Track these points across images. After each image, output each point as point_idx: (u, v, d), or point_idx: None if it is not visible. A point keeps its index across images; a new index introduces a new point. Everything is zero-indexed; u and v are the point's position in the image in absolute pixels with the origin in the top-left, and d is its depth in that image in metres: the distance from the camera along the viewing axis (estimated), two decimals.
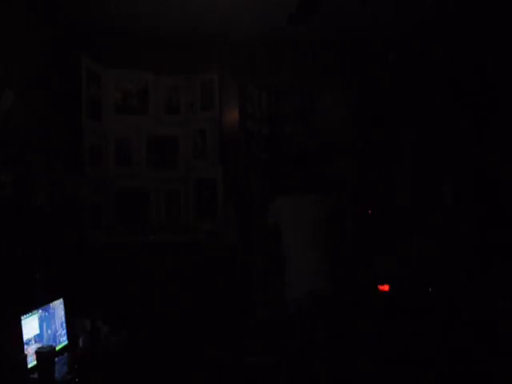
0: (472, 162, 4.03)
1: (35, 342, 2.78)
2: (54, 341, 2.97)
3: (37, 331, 2.81)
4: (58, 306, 3.10)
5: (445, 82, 4.11)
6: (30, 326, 2.76)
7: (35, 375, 2.60)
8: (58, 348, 2.93)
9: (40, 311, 2.87)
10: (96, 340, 3.09)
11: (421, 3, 3.39)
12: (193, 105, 4.23)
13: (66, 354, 3.01)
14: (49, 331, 2.94)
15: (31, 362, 2.67)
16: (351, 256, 4.06)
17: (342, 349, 3.54)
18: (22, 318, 2.70)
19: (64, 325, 3.13)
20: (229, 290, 4.09)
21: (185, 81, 4.22)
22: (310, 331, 3.29)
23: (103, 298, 3.57)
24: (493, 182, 3.94)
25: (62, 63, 3.64)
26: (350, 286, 3.94)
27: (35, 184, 3.28)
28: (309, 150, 4.13)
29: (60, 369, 2.73)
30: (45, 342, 2.85)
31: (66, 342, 3.12)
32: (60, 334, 3.08)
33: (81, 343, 3.03)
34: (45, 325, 2.90)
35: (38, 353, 2.61)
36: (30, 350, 2.69)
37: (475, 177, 4.02)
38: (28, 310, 2.77)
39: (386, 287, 3.99)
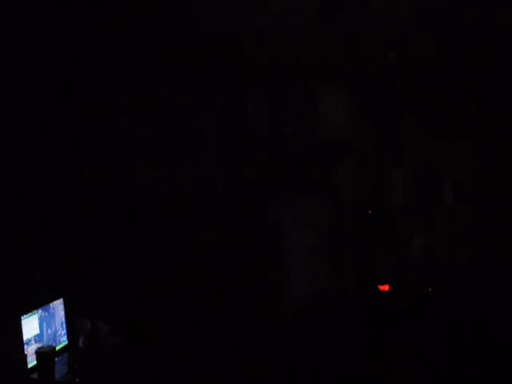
0: (472, 160, 4.04)
1: (35, 342, 2.78)
2: (54, 341, 2.97)
3: (37, 331, 2.81)
4: (58, 306, 3.09)
5: (445, 80, 4.11)
6: (30, 326, 2.76)
7: (35, 375, 2.60)
8: (58, 348, 2.93)
9: (40, 311, 2.87)
10: (96, 340, 3.08)
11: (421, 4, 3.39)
12: (193, 105, 4.23)
13: (66, 354, 3.01)
14: (49, 331, 2.94)
15: (31, 361, 2.67)
16: (352, 256, 4.06)
17: (344, 348, 3.55)
18: (22, 317, 2.70)
19: (64, 325, 3.13)
20: (229, 290, 4.08)
21: (185, 81, 4.23)
22: (311, 331, 3.29)
23: (103, 298, 3.57)
24: (493, 180, 3.95)
25: (62, 63, 3.64)
26: (351, 286, 3.94)
27: (35, 184, 3.28)
28: (309, 150, 4.14)
29: (60, 369, 2.73)
30: (45, 342, 2.85)
31: (65, 342, 3.12)
32: (60, 334, 3.07)
33: (81, 343, 3.03)
34: (45, 325, 2.90)
35: (38, 353, 2.61)
36: (30, 350, 2.70)
37: (475, 176, 4.03)
38: (28, 309, 2.77)
39: (386, 287, 3.99)
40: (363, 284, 4.03)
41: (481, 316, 3.71)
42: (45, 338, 2.88)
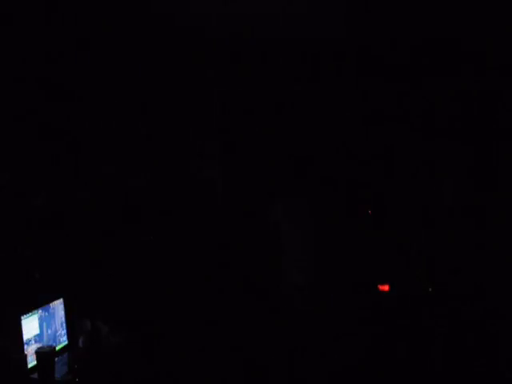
0: (472, 160, 4.04)
1: (35, 342, 2.78)
2: (54, 341, 2.97)
3: (37, 331, 2.81)
4: (58, 306, 3.10)
5: (444, 80, 4.11)
6: (30, 326, 2.76)
7: (35, 375, 2.61)
8: (58, 348, 2.93)
9: (40, 311, 2.87)
10: (96, 340, 3.09)
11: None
12: (193, 104, 4.23)
13: (66, 354, 3.01)
14: (49, 331, 2.94)
15: (31, 361, 2.67)
16: (351, 256, 4.05)
17: (344, 348, 3.54)
18: (22, 317, 2.70)
19: (64, 325, 3.13)
20: (229, 289, 4.08)
21: (185, 80, 4.22)
22: (311, 330, 3.30)
23: (103, 298, 3.56)
24: (493, 180, 3.95)
25: (62, 62, 3.64)
26: (351, 286, 3.94)
27: (35, 184, 3.28)
28: (308, 150, 4.13)
29: (60, 369, 2.73)
30: (45, 342, 2.85)
31: (65, 342, 3.12)
32: (60, 334, 3.08)
33: (81, 343, 3.03)
34: (45, 325, 2.90)
35: (38, 353, 2.61)
36: (30, 350, 2.70)
37: (475, 176, 4.03)
38: (28, 309, 2.77)
39: (386, 287, 3.99)
40: (363, 284, 4.03)
41: (481, 316, 3.71)
42: (45, 338, 2.88)
